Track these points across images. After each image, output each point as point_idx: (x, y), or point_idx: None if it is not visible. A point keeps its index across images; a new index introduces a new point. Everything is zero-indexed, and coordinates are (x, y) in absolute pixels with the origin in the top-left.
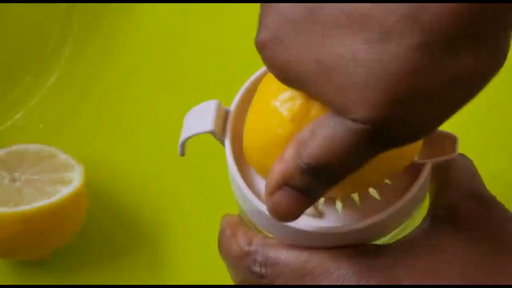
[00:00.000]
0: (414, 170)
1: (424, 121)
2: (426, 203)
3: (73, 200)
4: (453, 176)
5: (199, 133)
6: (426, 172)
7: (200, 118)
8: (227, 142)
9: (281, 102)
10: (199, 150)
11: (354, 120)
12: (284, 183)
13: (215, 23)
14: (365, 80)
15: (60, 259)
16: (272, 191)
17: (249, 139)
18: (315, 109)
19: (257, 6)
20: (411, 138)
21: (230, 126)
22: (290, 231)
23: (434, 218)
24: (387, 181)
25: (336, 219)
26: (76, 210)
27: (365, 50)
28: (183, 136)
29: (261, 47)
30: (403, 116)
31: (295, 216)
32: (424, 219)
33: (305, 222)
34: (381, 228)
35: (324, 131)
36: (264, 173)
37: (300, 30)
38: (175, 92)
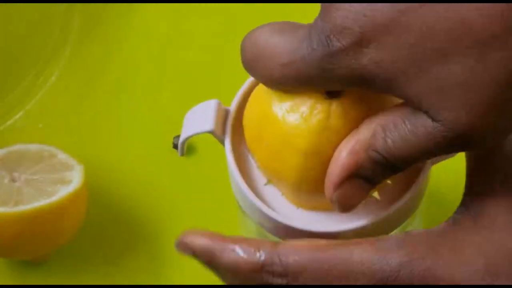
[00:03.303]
0: (414, 170)
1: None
2: (426, 204)
3: (73, 200)
4: (491, 164)
5: (199, 133)
6: (425, 172)
7: (200, 118)
8: (227, 141)
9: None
10: (199, 149)
11: (441, 122)
12: (355, 174)
13: (215, 23)
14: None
15: (60, 259)
16: (340, 181)
17: (258, 144)
18: (333, 119)
19: (257, 6)
20: (491, 143)
21: (230, 125)
22: (291, 231)
23: (466, 210)
24: (387, 180)
25: (336, 220)
26: (76, 210)
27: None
28: (183, 135)
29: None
30: (496, 124)
31: (357, 204)
32: (458, 209)
33: (305, 222)
34: (381, 228)
35: (401, 128)
36: (275, 174)
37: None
38: (175, 92)
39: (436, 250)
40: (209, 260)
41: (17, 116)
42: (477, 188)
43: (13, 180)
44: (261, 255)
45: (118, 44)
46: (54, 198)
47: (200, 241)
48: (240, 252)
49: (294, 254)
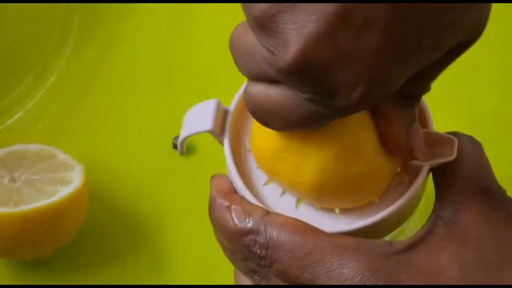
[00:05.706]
0: (412, 172)
1: None
2: (424, 205)
3: (73, 200)
4: (459, 170)
5: (198, 132)
6: (423, 174)
7: (200, 117)
8: (226, 141)
9: None
10: (199, 149)
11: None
12: None
13: (215, 23)
14: None
15: (60, 259)
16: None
17: (260, 145)
18: None
19: None
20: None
21: (229, 125)
22: None
23: (438, 218)
24: None
25: (334, 221)
26: (76, 210)
27: None
28: (182, 135)
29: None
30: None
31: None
32: (430, 218)
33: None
34: (379, 230)
35: None
36: (275, 176)
37: None
38: (175, 92)
39: (411, 260)
40: (209, 204)
41: (17, 116)
42: (448, 196)
43: (13, 180)
44: (249, 222)
45: (118, 44)
46: (54, 198)
47: (212, 185)
48: (232, 212)
49: (279, 229)
